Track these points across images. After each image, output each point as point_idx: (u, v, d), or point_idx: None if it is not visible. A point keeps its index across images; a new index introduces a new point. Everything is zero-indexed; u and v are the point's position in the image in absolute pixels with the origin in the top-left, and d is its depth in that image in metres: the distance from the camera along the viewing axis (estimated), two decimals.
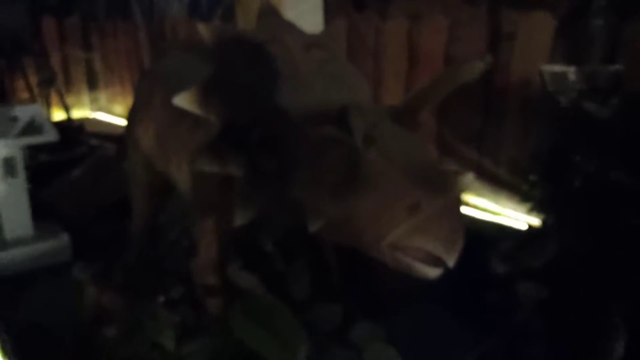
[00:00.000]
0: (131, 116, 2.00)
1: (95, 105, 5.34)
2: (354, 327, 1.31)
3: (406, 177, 1.16)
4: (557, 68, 1.50)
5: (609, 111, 1.27)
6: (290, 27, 1.51)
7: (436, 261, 1.17)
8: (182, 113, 1.71)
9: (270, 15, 1.52)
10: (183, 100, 1.36)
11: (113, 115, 5.12)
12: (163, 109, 1.80)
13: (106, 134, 3.75)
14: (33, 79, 4.22)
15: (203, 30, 1.40)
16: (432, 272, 1.19)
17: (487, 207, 2.45)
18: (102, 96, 5.33)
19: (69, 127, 3.29)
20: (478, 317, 1.63)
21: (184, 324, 1.39)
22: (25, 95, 4.09)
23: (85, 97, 5.29)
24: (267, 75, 1.35)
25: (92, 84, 5.32)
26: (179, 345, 1.22)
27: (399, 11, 2.68)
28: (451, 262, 1.17)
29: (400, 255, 1.18)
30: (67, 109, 3.90)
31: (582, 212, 1.32)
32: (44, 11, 4.50)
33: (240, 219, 1.34)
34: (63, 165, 2.80)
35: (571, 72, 1.43)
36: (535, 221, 1.75)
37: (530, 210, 1.72)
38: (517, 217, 2.26)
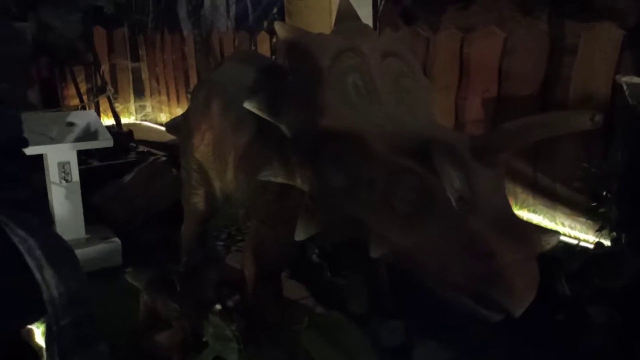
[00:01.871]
0: (187, 124, 2.01)
1: (141, 113, 5.48)
2: (418, 345, 1.26)
3: (485, 224, 1.10)
4: (638, 79, 1.43)
5: None
6: (369, 32, 1.47)
7: (499, 308, 1.11)
8: (241, 122, 1.73)
9: (349, 17, 1.48)
10: (254, 105, 1.34)
11: (158, 124, 5.24)
12: (221, 117, 1.80)
13: (154, 141, 3.82)
14: (82, 87, 4.36)
15: (279, 29, 1.38)
16: (495, 318, 1.13)
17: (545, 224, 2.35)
18: (148, 104, 5.46)
19: (118, 134, 3.36)
20: (545, 338, 1.55)
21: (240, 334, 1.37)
22: (75, 102, 4.22)
23: (132, 106, 5.43)
24: (344, 87, 1.32)
25: (139, 93, 5.47)
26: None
27: (450, 23, 2.63)
28: (517, 314, 1.10)
29: (464, 298, 1.13)
30: (116, 116, 4.00)
31: None
32: (96, 22, 4.66)
33: (302, 234, 1.31)
34: (114, 171, 2.85)
35: None
36: (605, 241, 1.67)
37: (601, 229, 1.63)
38: (577, 235, 2.16)
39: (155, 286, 1.70)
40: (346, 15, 1.53)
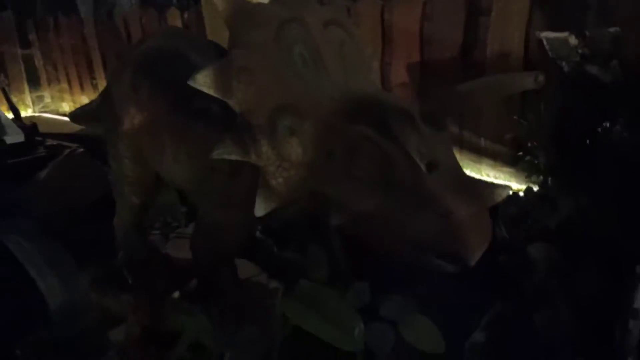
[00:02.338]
0: (110, 110, 1.88)
1: (40, 105, 5.01)
2: (385, 302, 1.31)
3: (441, 184, 1.15)
4: (557, 34, 1.54)
5: (611, 73, 1.30)
6: (309, 2, 1.45)
7: (456, 260, 1.18)
8: (175, 102, 1.64)
9: None
10: (200, 82, 1.28)
11: (60, 115, 4.83)
12: (152, 99, 1.70)
13: (63, 133, 3.52)
14: None
15: (218, 1, 1.31)
16: (452, 269, 1.20)
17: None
18: (47, 94, 5.00)
19: (21, 128, 3.05)
20: (492, 281, 1.67)
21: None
22: None
23: (27, 97, 4.95)
24: (291, 58, 1.30)
25: (33, 83, 4.98)
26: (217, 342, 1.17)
27: None
28: (472, 263, 1.18)
29: (424, 255, 1.18)
30: (14, 109, 3.61)
31: (593, 173, 1.36)
32: None
33: (262, 210, 1.29)
34: (26, 167, 2.60)
35: (572, 37, 1.48)
36: (533, 186, 1.82)
37: (529, 176, 1.77)
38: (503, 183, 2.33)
39: (102, 282, 1.60)
40: None
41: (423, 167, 1.07)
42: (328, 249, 1.71)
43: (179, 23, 3.61)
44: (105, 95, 1.94)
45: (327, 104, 1.28)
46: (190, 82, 1.32)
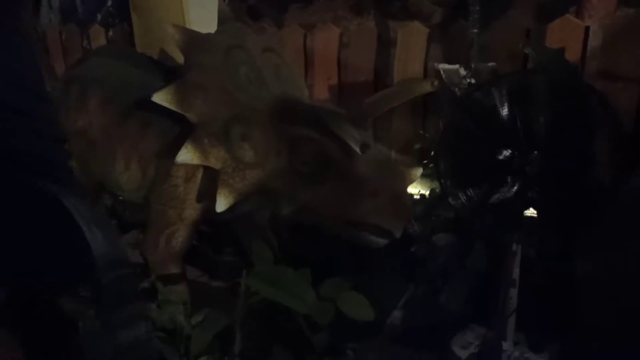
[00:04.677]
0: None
1: None
2: (324, 283, 1.58)
3: (368, 170, 1.48)
4: (451, 66, 1.94)
5: (491, 98, 1.68)
6: (247, 31, 1.72)
7: (385, 234, 1.52)
8: (126, 115, 1.80)
9: (229, 19, 1.72)
10: (162, 98, 1.48)
11: None
12: (101, 112, 1.84)
13: None
14: None
15: (174, 32, 1.53)
16: (382, 242, 1.54)
17: None
18: None
19: None
20: (402, 267, 2.01)
21: None
22: None
23: None
24: (237, 77, 1.55)
25: None
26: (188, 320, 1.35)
27: (293, 20, 2.98)
28: (399, 235, 1.52)
29: (359, 231, 1.50)
30: None
31: (474, 175, 1.69)
32: None
33: (223, 205, 1.51)
34: None
35: (462, 69, 1.88)
36: (435, 188, 2.21)
37: (431, 180, 2.16)
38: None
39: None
40: (226, 18, 1.78)
41: (358, 150, 1.40)
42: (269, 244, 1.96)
43: (103, 40, 3.66)
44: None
45: (271, 113, 1.56)
46: (153, 99, 1.53)
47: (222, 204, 1.50)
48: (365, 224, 1.49)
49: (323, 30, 2.87)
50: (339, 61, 2.87)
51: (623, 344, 1.45)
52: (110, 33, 3.66)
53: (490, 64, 1.88)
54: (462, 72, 1.87)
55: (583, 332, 1.64)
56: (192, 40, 1.58)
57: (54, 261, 1.03)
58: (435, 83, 1.47)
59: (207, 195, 1.64)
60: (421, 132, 2.41)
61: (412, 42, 2.64)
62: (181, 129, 1.63)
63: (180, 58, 1.64)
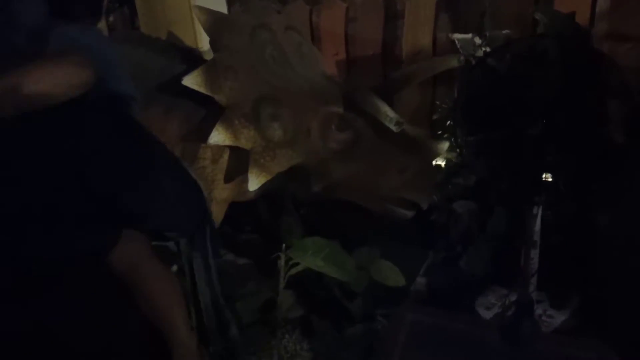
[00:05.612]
0: None
1: None
2: (355, 253, 1.64)
3: (395, 146, 1.52)
4: (465, 35, 1.97)
5: (505, 65, 1.70)
6: (270, 10, 1.72)
7: (412, 206, 1.57)
8: (149, 100, 1.82)
9: None
10: (192, 81, 1.50)
11: None
12: None
13: None
14: None
15: (199, 14, 1.54)
16: (410, 214, 1.59)
17: None
18: None
19: None
20: (425, 234, 2.08)
21: None
22: None
23: None
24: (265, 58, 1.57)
25: None
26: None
27: None
28: (425, 206, 1.57)
29: (388, 204, 1.55)
30: None
31: (492, 149, 1.72)
32: None
33: (255, 184, 1.55)
34: None
35: (477, 38, 1.91)
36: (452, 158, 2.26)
37: (450, 149, 2.20)
38: None
39: None
40: None
41: (393, 127, 1.43)
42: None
43: (103, 25, 3.63)
44: None
45: (298, 92, 1.58)
46: (184, 82, 1.55)
47: (254, 183, 1.54)
48: (392, 197, 1.53)
49: (329, 5, 2.87)
50: (346, 36, 2.87)
51: None
52: (111, 18, 3.63)
53: (505, 31, 1.91)
54: (477, 41, 1.90)
55: (603, 285, 1.71)
56: (218, 22, 1.58)
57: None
58: (462, 58, 1.49)
59: (234, 175, 1.68)
60: (438, 102, 2.44)
61: (420, 13, 2.65)
62: (206, 112, 1.66)
63: (188, 40, 1.64)
